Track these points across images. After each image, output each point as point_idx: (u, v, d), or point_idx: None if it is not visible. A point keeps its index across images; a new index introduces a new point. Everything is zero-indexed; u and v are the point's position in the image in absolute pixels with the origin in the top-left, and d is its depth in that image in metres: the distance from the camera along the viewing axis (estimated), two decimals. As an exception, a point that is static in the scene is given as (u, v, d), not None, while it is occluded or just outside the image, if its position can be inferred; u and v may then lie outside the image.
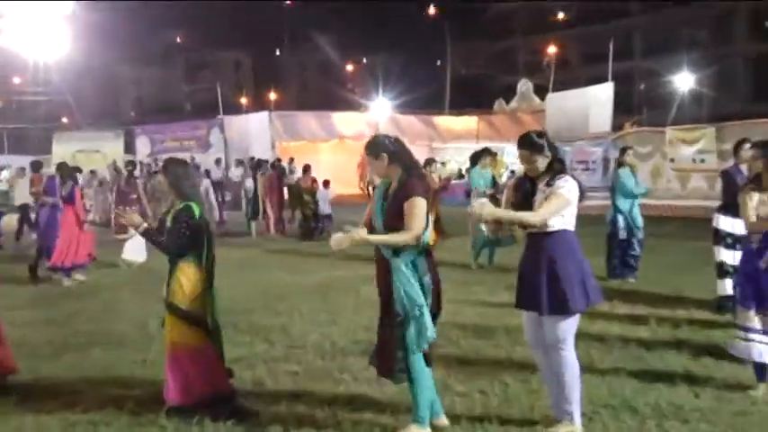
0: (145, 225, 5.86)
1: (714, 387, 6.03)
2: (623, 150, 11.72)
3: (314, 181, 19.11)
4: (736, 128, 21.21)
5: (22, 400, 6.29)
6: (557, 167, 5.19)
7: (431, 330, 5.09)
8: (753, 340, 5.90)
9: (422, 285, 5.14)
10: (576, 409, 5.19)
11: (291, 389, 6.33)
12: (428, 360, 5.29)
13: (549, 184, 5.13)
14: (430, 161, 14.37)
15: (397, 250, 5.16)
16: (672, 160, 22.71)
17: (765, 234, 5.96)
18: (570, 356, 5.19)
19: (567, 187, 5.08)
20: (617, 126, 29.47)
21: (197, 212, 5.78)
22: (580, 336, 7.73)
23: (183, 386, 5.68)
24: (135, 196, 15.11)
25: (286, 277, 12.43)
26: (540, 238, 5.15)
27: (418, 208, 5.08)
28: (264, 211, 19.76)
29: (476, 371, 6.67)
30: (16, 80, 50.64)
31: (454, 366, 6.79)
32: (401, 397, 6.03)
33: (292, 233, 19.07)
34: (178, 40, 69.42)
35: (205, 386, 5.70)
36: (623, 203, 11.17)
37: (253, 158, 27.76)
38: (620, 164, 11.52)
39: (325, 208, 19.10)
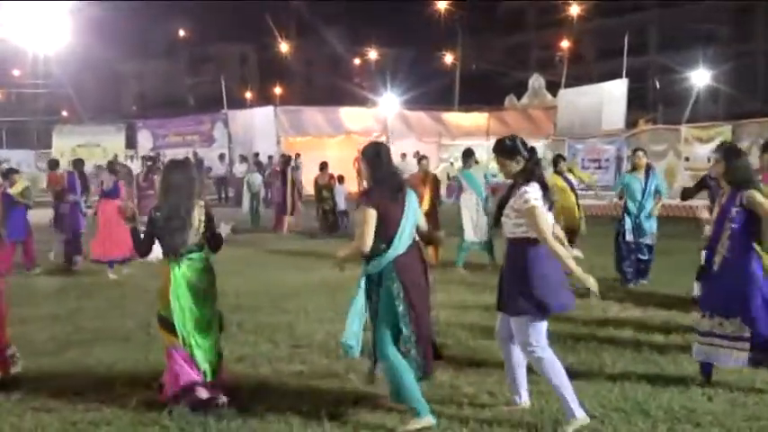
0: (134, 214, 6.21)
1: (728, 391, 6.06)
2: (632, 152, 11.66)
3: (331, 177, 19.56)
4: (753, 126, 21.20)
5: (23, 398, 6.33)
6: (528, 171, 5.42)
7: (345, 337, 5.55)
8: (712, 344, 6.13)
9: (390, 292, 5.38)
10: (573, 405, 5.35)
11: (296, 388, 6.38)
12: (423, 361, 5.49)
13: (515, 194, 5.39)
14: (420, 158, 14.40)
15: (367, 258, 5.46)
16: (687, 159, 22.67)
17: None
18: (545, 356, 5.39)
19: (531, 197, 5.28)
20: (631, 123, 29.44)
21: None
22: (592, 339, 7.82)
23: (172, 383, 5.89)
24: (152, 192, 15.28)
25: (292, 276, 12.47)
26: (508, 244, 5.52)
27: (361, 216, 5.42)
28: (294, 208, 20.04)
29: (484, 372, 6.72)
30: (16, 72, 50.78)
31: (463, 367, 6.83)
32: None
33: (310, 230, 19.21)
34: (181, 32, 69.51)
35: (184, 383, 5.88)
36: (631, 205, 11.03)
37: (257, 154, 27.86)
38: (632, 167, 11.39)
39: (341, 204, 19.53)
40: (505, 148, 5.48)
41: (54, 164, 16.87)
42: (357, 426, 5.51)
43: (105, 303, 10.58)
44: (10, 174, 13.69)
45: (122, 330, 8.67)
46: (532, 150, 5.51)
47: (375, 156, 5.62)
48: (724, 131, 21.55)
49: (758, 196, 6.01)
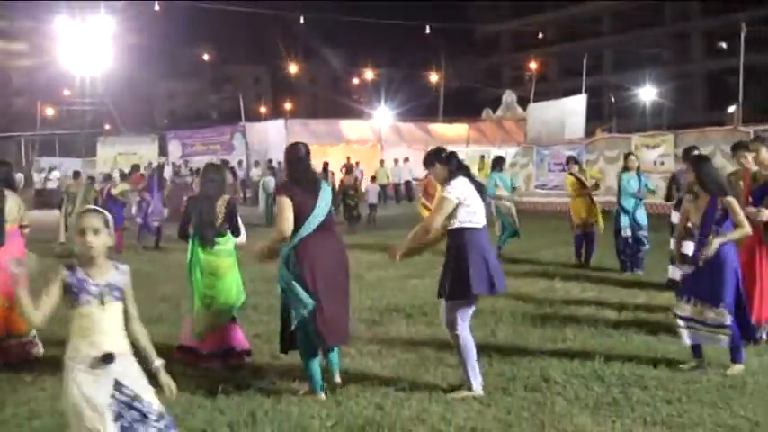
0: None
1: (670, 359, 6.07)
2: (626, 156, 11.13)
3: (356, 179, 20.18)
4: (691, 135, 21.24)
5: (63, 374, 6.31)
6: (451, 172, 5.50)
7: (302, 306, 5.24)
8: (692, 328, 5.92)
9: (295, 274, 5.26)
10: (473, 379, 5.38)
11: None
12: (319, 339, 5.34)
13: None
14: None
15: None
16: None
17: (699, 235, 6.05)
18: (461, 337, 5.37)
19: (450, 189, 5.36)
20: (589, 132, 29.41)
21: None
22: (555, 316, 7.83)
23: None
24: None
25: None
26: (448, 236, 5.47)
27: (278, 206, 5.37)
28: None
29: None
30: (66, 92, 50.68)
31: (447, 344, 6.82)
32: (400, 369, 6.09)
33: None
34: (206, 57, 69.42)
35: None
36: (627, 203, 10.61)
37: (270, 161, 27.83)
38: (624, 168, 10.91)
39: (372, 199, 20.39)
40: (425, 161, 5.67)
41: (136, 167, 17.87)
42: (357, 392, 5.51)
43: (139, 288, 10.51)
44: (112, 177, 15.88)
45: (155, 311, 8.61)
46: (451, 155, 5.60)
47: (295, 157, 5.56)
48: (667, 139, 21.58)
49: (735, 204, 5.87)
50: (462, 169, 5.55)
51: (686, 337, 5.94)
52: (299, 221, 5.29)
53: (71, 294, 3.53)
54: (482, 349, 6.31)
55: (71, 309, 3.56)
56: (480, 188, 5.54)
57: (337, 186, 20.60)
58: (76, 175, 16.52)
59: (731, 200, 5.88)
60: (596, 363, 6.04)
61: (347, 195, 19.06)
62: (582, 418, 4.93)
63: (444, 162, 5.54)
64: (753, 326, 5.86)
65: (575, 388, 5.50)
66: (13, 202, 6.81)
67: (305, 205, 5.31)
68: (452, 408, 5.15)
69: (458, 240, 5.34)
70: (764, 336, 6.60)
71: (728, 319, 5.75)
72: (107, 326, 3.58)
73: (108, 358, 3.51)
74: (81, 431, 3.48)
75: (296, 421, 4.98)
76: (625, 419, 4.91)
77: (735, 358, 5.83)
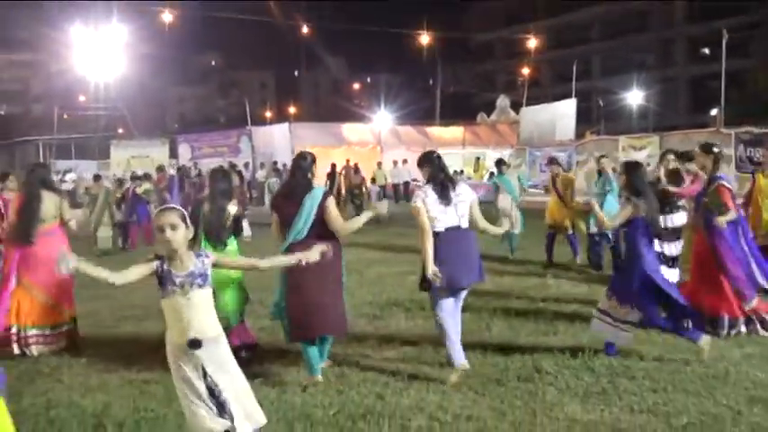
0: None
1: (656, 351, 6.09)
2: (597, 160, 11.06)
3: (363, 179, 20.24)
4: (676, 136, 21.29)
5: (89, 361, 6.36)
6: (427, 176, 5.64)
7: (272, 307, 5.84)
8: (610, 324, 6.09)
9: (282, 274, 5.63)
10: (456, 356, 5.48)
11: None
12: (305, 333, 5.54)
13: None
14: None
15: None
16: (624, 164, 22.80)
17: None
18: (440, 319, 5.56)
19: (416, 198, 5.55)
20: (579, 135, 29.47)
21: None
22: (547, 311, 7.83)
23: None
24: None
25: (304, 261, 12.38)
26: None
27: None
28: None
29: (461, 339, 6.70)
30: (81, 98, 50.74)
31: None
32: (399, 361, 6.10)
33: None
34: (213, 63, 69.54)
35: None
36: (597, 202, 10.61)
37: (275, 162, 27.87)
38: (598, 171, 10.80)
39: (375, 199, 20.41)
40: (418, 162, 5.80)
41: (161, 168, 18.16)
42: (358, 383, 5.53)
43: (149, 283, 10.53)
44: (138, 178, 16.31)
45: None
46: (437, 158, 5.70)
47: (295, 165, 5.72)
48: (653, 141, 21.66)
49: (628, 207, 5.96)
50: (438, 174, 5.61)
51: (594, 325, 6.20)
52: (286, 229, 5.58)
53: (160, 283, 3.71)
54: (477, 342, 6.35)
55: (161, 298, 3.73)
56: (445, 195, 5.50)
57: (343, 187, 20.64)
58: (97, 178, 16.85)
59: (625, 202, 6.03)
60: (586, 354, 6.04)
61: (354, 195, 19.17)
62: (572, 407, 4.94)
63: (428, 165, 5.67)
64: (685, 324, 5.87)
65: (565, 378, 5.51)
66: (50, 202, 6.85)
67: (288, 215, 5.55)
68: (449, 397, 5.17)
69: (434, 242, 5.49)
70: (743, 328, 6.67)
71: (632, 317, 5.94)
72: (193, 313, 3.70)
73: (194, 344, 3.65)
74: (186, 409, 3.69)
75: (300, 410, 4.99)
76: (613, 408, 4.92)
77: (693, 340, 5.89)
